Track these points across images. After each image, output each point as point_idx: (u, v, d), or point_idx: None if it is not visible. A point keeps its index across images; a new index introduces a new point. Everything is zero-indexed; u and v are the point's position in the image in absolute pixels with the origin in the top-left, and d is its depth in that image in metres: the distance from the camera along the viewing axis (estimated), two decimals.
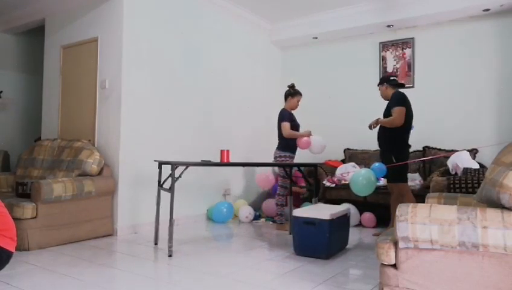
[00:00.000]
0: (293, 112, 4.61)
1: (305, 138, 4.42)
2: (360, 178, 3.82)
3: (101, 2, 4.29)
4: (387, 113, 4.01)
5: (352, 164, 5.13)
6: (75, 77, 4.55)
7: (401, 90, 4.06)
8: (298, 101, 4.60)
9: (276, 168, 5.36)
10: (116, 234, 3.97)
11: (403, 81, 4.73)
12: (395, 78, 4.25)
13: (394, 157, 3.85)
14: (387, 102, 4.07)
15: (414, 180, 4.55)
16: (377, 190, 4.16)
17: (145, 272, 2.80)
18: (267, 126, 6.15)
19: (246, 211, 4.97)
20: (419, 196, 4.08)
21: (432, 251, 1.81)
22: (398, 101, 3.90)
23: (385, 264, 1.92)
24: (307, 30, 5.80)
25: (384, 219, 4.42)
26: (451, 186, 3.52)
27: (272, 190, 5.33)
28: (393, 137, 3.89)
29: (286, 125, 4.45)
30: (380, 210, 4.58)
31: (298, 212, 3.35)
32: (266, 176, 5.22)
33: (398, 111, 3.83)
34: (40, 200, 3.37)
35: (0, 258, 1.97)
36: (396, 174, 3.87)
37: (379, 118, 4.02)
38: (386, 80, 4.15)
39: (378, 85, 4.24)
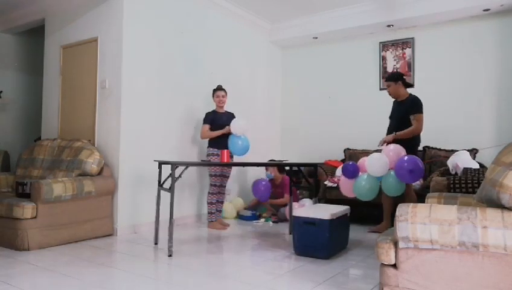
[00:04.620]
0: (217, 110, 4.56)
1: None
2: (363, 183, 3.77)
3: (101, 2, 4.29)
4: (398, 114, 3.98)
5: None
6: (75, 77, 4.55)
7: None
8: (217, 97, 4.52)
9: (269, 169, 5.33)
10: (116, 234, 3.97)
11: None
12: (405, 76, 4.17)
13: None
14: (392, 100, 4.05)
15: None
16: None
17: (145, 272, 2.80)
18: (266, 126, 6.15)
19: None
20: (419, 196, 4.08)
21: (432, 250, 1.81)
22: (420, 107, 3.91)
23: (385, 264, 1.93)
24: (307, 30, 5.80)
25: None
26: (451, 186, 3.51)
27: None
28: (414, 141, 3.94)
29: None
30: (381, 210, 4.57)
31: (298, 212, 3.35)
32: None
33: (420, 118, 3.86)
34: (40, 200, 3.37)
35: None
36: None
37: (395, 133, 3.91)
38: (401, 78, 4.03)
39: (388, 81, 4.08)
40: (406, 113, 3.94)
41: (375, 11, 5.20)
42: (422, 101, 3.97)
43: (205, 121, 4.46)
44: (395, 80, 4.02)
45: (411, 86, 4.19)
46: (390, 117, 4.18)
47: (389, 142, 3.92)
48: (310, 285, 2.54)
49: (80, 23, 4.52)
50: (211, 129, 4.43)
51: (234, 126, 4.29)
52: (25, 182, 3.70)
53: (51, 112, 4.81)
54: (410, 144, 3.84)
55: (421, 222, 1.78)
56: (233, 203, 5.25)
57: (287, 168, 4.38)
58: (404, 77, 4.12)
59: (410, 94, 4.07)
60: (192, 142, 4.84)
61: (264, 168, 5.42)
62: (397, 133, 3.92)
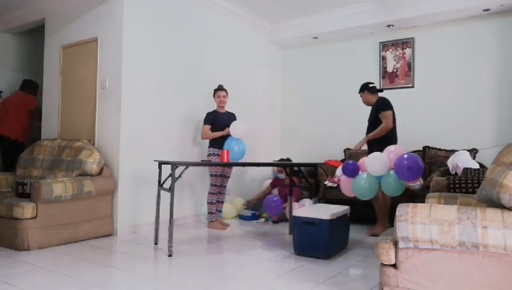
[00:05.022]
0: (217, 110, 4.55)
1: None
2: (362, 182, 3.78)
3: (101, 2, 4.29)
4: (372, 118, 4.25)
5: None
6: (75, 77, 4.55)
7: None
8: (218, 97, 4.51)
9: (275, 168, 5.34)
10: (116, 234, 3.97)
11: (375, 85, 4.54)
12: (373, 84, 4.42)
13: None
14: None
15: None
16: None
17: (145, 272, 2.80)
18: (267, 126, 6.15)
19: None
20: (419, 196, 4.08)
21: (432, 250, 1.81)
22: (385, 105, 4.20)
23: (385, 264, 1.93)
24: (307, 30, 5.79)
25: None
26: (451, 186, 3.51)
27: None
28: (388, 139, 4.07)
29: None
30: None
31: (298, 212, 3.35)
32: None
33: (387, 115, 4.12)
34: (40, 200, 3.37)
35: None
36: None
37: (366, 136, 4.21)
38: (366, 87, 4.37)
39: (359, 93, 4.43)
40: (376, 115, 4.21)
41: (375, 11, 5.20)
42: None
43: (206, 121, 4.46)
44: (361, 91, 4.40)
45: (380, 90, 4.45)
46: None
47: (363, 145, 4.24)
48: (310, 285, 2.54)
49: (80, 23, 4.52)
50: (212, 129, 4.43)
51: (233, 129, 4.32)
52: (25, 182, 3.70)
53: (51, 112, 4.81)
54: (386, 141, 4.00)
55: (421, 222, 1.78)
56: (233, 203, 5.25)
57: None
58: (371, 85, 4.36)
59: (379, 97, 4.33)
60: (192, 142, 4.84)
61: (266, 168, 5.42)
62: (368, 134, 4.19)
